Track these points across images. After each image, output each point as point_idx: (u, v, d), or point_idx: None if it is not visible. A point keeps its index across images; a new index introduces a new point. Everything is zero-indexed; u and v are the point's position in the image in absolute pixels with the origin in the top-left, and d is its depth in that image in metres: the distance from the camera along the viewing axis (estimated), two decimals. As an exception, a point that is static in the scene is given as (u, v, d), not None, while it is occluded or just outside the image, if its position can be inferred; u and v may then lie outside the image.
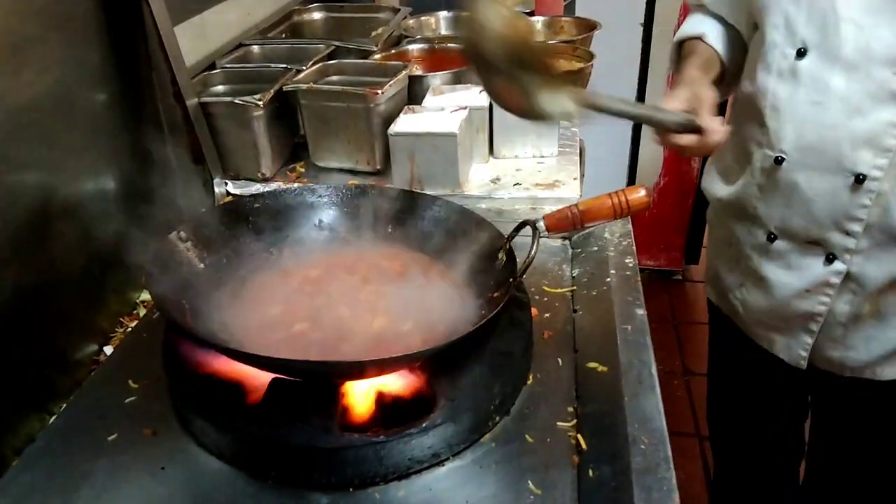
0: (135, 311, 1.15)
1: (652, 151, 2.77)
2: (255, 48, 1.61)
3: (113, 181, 1.13)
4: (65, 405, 0.93)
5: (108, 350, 1.07)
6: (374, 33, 1.75)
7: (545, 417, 0.87)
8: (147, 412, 0.89)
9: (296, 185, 1.37)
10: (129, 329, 1.10)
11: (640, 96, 2.63)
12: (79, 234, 1.06)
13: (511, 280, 0.89)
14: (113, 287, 1.13)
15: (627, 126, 2.72)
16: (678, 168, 2.80)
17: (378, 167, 1.39)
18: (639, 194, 0.88)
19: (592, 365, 0.92)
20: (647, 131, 2.69)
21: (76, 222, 1.05)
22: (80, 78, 1.07)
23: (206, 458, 0.83)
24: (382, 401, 0.81)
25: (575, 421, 0.86)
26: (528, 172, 1.39)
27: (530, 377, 0.93)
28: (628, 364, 0.90)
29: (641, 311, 0.99)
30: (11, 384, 0.89)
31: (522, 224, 0.95)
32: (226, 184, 1.36)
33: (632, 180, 2.80)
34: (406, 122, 1.31)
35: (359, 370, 0.79)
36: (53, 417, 0.91)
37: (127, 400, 0.92)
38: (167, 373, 0.88)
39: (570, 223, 0.90)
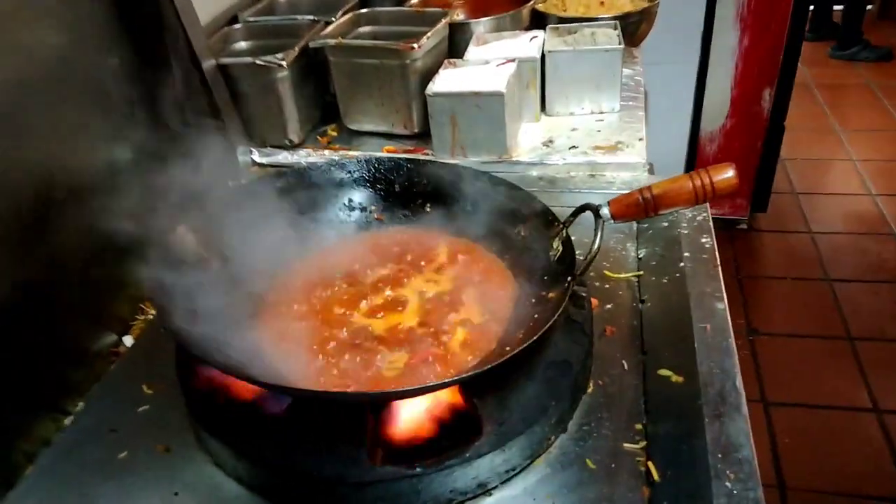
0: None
1: (718, 92, 2.53)
2: (281, -3, 1.47)
3: (124, 156, 1.03)
4: (80, 406, 0.85)
5: (128, 341, 0.99)
6: (410, -25, 1.57)
7: (608, 437, 0.75)
8: (161, 424, 0.81)
9: (325, 154, 1.24)
10: (150, 316, 1.02)
11: (709, 27, 2.38)
12: (86, 215, 0.96)
13: (569, 279, 0.75)
14: (130, 272, 1.04)
15: (693, 64, 2.48)
16: (747, 109, 2.56)
17: (416, 130, 1.25)
18: (726, 175, 0.73)
19: (665, 373, 0.79)
20: (714, 69, 2.48)
21: (85, 202, 0.95)
22: (83, 44, 0.95)
23: (223, 481, 0.74)
24: (419, 425, 0.70)
25: (644, 443, 0.74)
26: (585, 132, 1.23)
27: (591, 384, 0.80)
28: (708, 374, 0.76)
29: (723, 306, 0.85)
30: (22, 383, 0.82)
31: (582, 208, 0.80)
32: (251, 152, 1.25)
33: (696, 123, 2.58)
34: (446, 80, 1.15)
35: (385, 400, 0.68)
36: (67, 419, 0.84)
37: (140, 409, 0.83)
38: (181, 385, 0.79)
39: (641, 210, 0.75)
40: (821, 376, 2.09)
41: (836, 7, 4.52)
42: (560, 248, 0.81)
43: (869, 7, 4.49)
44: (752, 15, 2.39)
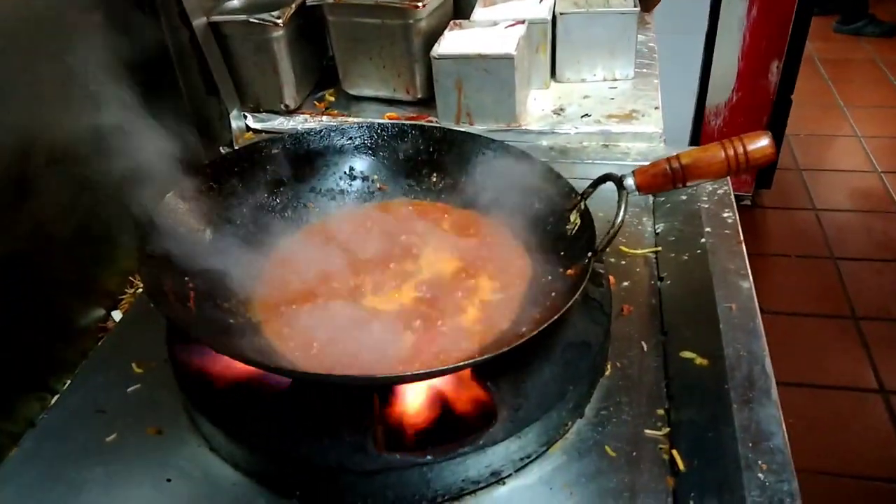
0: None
1: (725, 64, 2.46)
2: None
3: (110, 118, 0.96)
4: (66, 384, 0.80)
5: (117, 315, 0.94)
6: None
7: (628, 422, 0.71)
8: (152, 404, 0.76)
9: (323, 120, 1.17)
10: (139, 290, 0.96)
11: (716, 4, 2.31)
12: (72, 181, 0.90)
13: (589, 255, 0.70)
14: (119, 242, 0.98)
15: (700, 35, 2.41)
16: (754, 83, 2.50)
17: (420, 95, 1.19)
18: (761, 143, 0.67)
19: (688, 355, 0.74)
20: (721, 41, 2.41)
21: (67, 168, 0.89)
22: (64, 1, 0.88)
23: (219, 466, 0.69)
24: (429, 410, 0.65)
25: (668, 430, 0.69)
26: (597, 100, 1.17)
27: (608, 367, 0.76)
28: (735, 357, 0.72)
29: (748, 285, 0.80)
30: (5, 360, 0.76)
31: (603, 178, 0.75)
32: (245, 117, 1.18)
33: (702, 96, 2.52)
34: (452, 42, 1.09)
35: (393, 384, 0.63)
36: (53, 398, 0.79)
37: (130, 389, 0.78)
38: (173, 364, 0.73)
39: (668, 181, 0.69)
40: (826, 356, 2.06)
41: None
42: (578, 222, 0.76)
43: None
44: (762, -15, 2.32)
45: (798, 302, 2.28)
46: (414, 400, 0.65)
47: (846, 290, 2.32)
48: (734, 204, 0.93)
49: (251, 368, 0.68)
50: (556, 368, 0.69)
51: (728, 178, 0.96)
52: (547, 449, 0.68)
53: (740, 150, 0.67)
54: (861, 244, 2.53)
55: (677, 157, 0.69)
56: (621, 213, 0.70)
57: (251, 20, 1.09)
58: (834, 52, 4.00)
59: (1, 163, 0.78)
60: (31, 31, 0.82)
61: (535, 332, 0.61)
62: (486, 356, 0.59)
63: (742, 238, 0.87)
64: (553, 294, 0.71)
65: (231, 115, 1.15)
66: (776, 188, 2.76)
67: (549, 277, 0.74)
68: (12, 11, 0.79)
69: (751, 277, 0.81)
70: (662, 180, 0.70)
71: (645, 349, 0.78)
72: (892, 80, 3.66)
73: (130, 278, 0.98)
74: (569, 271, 0.72)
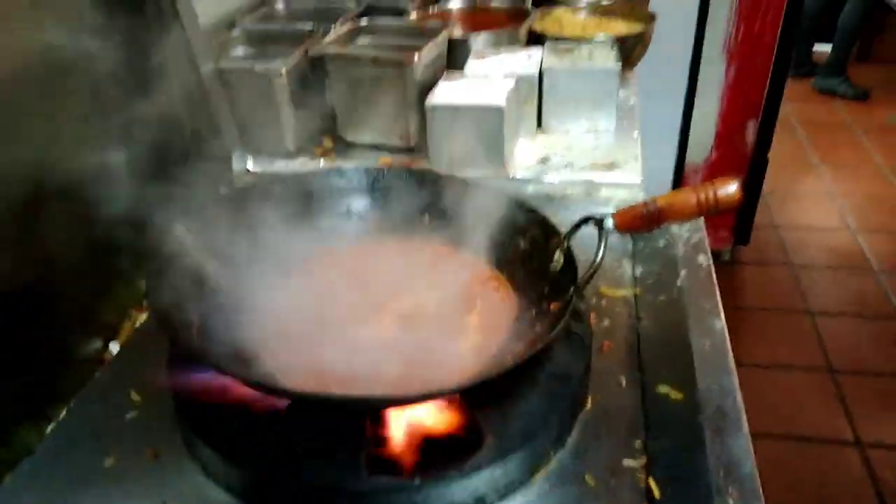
0: (145, 303, 1.03)
1: (704, 124, 2.57)
2: (280, 4, 1.46)
3: (117, 157, 1.01)
4: (64, 412, 0.82)
5: (115, 346, 0.96)
6: (409, -11, 1.58)
7: (608, 453, 0.74)
8: (150, 430, 0.78)
9: (322, 162, 1.23)
10: (138, 323, 0.99)
11: (696, 59, 2.42)
12: (79, 216, 0.94)
13: (572, 290, 0.75)
14: (119, 275, 1.02)
15: (680, 95, 2.52)
16: (731, 142, 2.60)
17: (413, 143, 1.25)
18: (729, 190, 0.73)
19: (663, 389, 0.78)
20: (700, 101, 2.52)
21: (75, 203, 0.93)
22: (79, 40, 0.93)
23: (214, 490, 0.71)
24: (418, 436, 0.68)
25: (645, 459, 0.73)
26: (581, 151, 1.23)
27: (589, 400, 0.79)
28: (707, 391, 0.76)
29: (721, 324, 0.85)
30: (4, 388, 0.78)
31: (585, 220, 0.80)
32: (246, 159, 1.23)
33: (682, 153, 2.61)
34: (445, 93, 1.15)
35: (386, 406, 0.66)
36: (50, 426, 0.81)
37: (128, 416, 0.80)
38: (171, 388, 0.76)
39: (644, 222, 0.75)
40: (803, 408, 2.10)
41: (815, 48, 4.65)
42: (561, 261, 0.81)
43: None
44: (738, 47, 2.43)
45: (776, 355, 2.33)
46: (404, 424, 0.68)
47: (822, 345, 2.37)
48: (708, 250, 0.98)
49: (247, 393, 0.71)
50: (540, 399, 0.73)
51: (703, 225, 1.02)
52: (530, 477, 0.71)
53: (711, 194, 0.73)
54: (836, 300, 2.61)
55: (654, 200, 0.75)
56: (601, 252, 0.75)
57: (255, 69, 1.15)
58: (809, 114, 4.16)
59: (14, 195, 0.82)
60: (48, 72, 0.87)
61: (519, 361, 0.65)
62: (474, 381, 0.63)
63: (715, 280, 0.92)
64: (537, 327, 0.75)
65: (233, 157, 1.20)
66: (753, 244, 2.84)
67: (534, 311, 0.79)
68: (32, 54, 0.84)
69: (723, 317, 0.86)
70: (640, 221, 0.75)
71: (623, 384, 0.82)
72: (864, 142, 3.81)
73: (130, 310, 1.01)
74: (552, 305, 0.76)
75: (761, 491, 0.65)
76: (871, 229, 3.01)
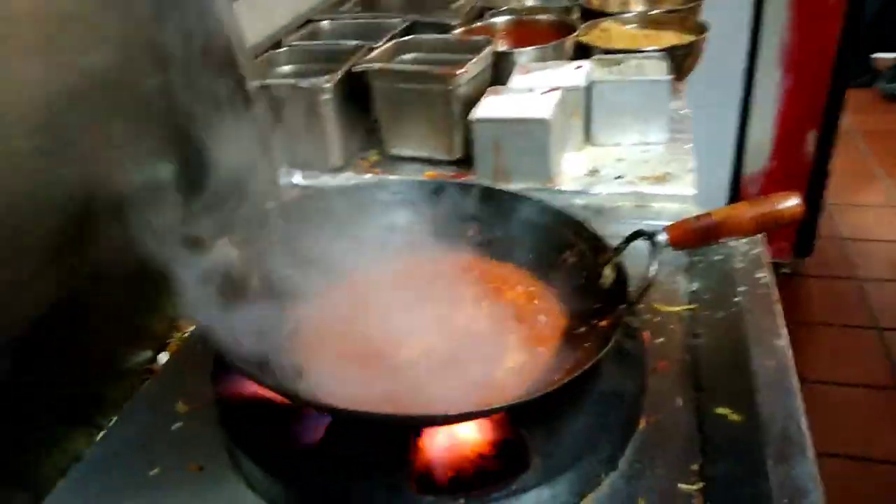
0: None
1: (760, 133, 2.49)
2: (325, 24, 1.48)
3: (165, 173, 1.03)
4: (113, 421, 0.83)
5: (163, 357, 0.97)
6: (454, 5, 1.58)
7: (662, 476, 0.70)
8: (195, 443, 0.78)
9: (367, 176, 1.23)
10: (186, 334, 1.00)
11: (751, 68, 2.35)
12: (128, 231, 0.95)
13: (621, 307, 0.72)
14: (167, 289, 1.03)
15: (734, 107, 2.45)
16: (790, 152, 2.52)
17: (458, 156, 1.24)
18: (790, 203, 0.69)
19: (722, 411, 0.74)
20: (757, 112, 2.44)
21: (125, 218, 0.94)
22: (128, 59, 0.96)
23: (256, 503, 0.71)
24: (464, 455, 0.66)
25: (702, 484, 0.69)
26: (631, 163, 1.20)
27: (642, 421, 0.76)
28: (770, 415, 0.71)
29: (783, 342, 0.80)
30: (56, 398, 0.80)
31: (636, 234, 0.77)
32: (292, 174, 1.24)
33: (738, 165, 2.54)
34: (490, 107, 1.14)
35: (430, 424, 0.65)
36: (100, 434, 0.82)
37: (174, 426, 0.81)
38: (217, 401, 0.76)
39: (699, 237, 0.71)
40: (871, 428, 1.99)
41: (875, 55, 4.49)
42: (612, 276, 0.78)
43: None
44: (796, 55, 2.36)
45: (842, 372, 2.22)
46: (450, 444, 0.66)
47: (891, 361, 2.25)
48: (769, 265, 0.94)
49: (291, 408, 0.70)
50: (590, 418, 0.70)
51: (761, 239, 0.98)
52: (580, 500, 0.68)
53: (769, 208, 0.69)
54: (905, 315, 2.48)
55: (709, 214, 0.72)
56: (654, 267, 0.71)
57: (301, 84, 1.16)
58: (872, 124, 4.00)
59: (66, 210, 0.84)
60: (101, 92, 0.89)
61: (570, 378, 0.62)
62: (521, 399, 0.61)
63: (778, 297, 0.88)
64: (587, 345, 0.73)
65: (279, 173, 1.21)
66: (816, 256, 2.73)
67: (583, 329, 0.76)
68: (85, 74, 0.86)
69: (786, 336, 0.82)
70: (694, 236, 0.72)
71: (679, 405, 0.78)
72: (931, 153, 3.64)
73: (177, 323, 1.03)
74: (602, 322, 0.74)
75: (830, 522, 0.61)
76: (939, 242, 2.86)
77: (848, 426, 2.00)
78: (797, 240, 2.69)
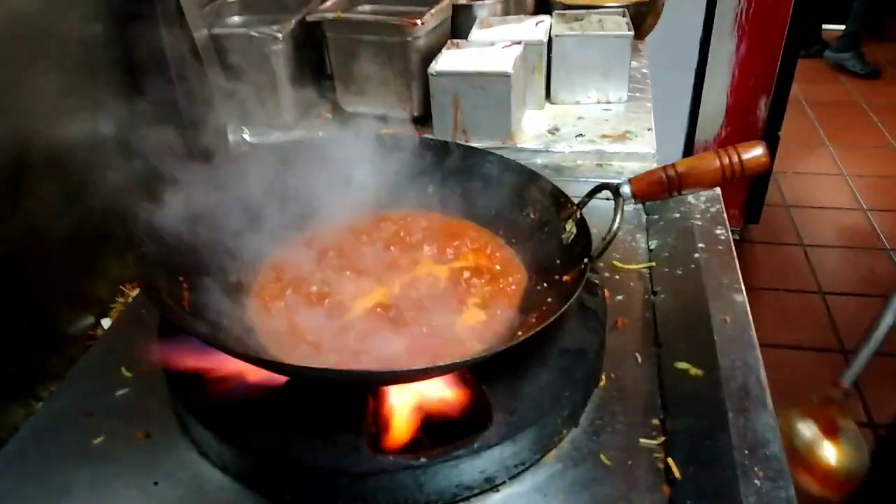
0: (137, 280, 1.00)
1: (714, 100, 2.51)
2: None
3: (106, 127, 0.96)
4: (52, 391, 0.79)
5: (106, 323, 0.93)
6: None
7: (623, 432, 0.70)
8: (141, 409, 0.74)
9: (320, 133, 1.18)
10: (130, 299, 0.95)
11: (707, 31, 2.36)
12: (65, 189, 0.89)
13: (585, 261, 0.70)
14: (111, 251, 0.98)
15: (690, 71, 2.46)
16: (743, 118, 2.54)
17: (416, 113, 1.20)
18: (755, 153, 0.68)
19: (682, 366, 0.74)
20: (711, 77, 2.46)
21: (61, 176, 0.88)
22: (64, 5, 0.89)
23: (208, 470, 0.68)
24: (424, 413, 0.64)
25: (663, 438, 0.69)
26: (592, 121, 1.18)
27: (602, 378, 0.75)
28: (730, 367, 0.72)
29: (742, 299, 0.80)
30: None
31: (600, 187, 0.76)
32: (242, 130, 1.19)
33: (692, 130, 2.56)
34: (450, 60, 1.11)
35: (389, 381, 0.62)
36: (39, 405, 0.77)
37: (119, 392, 0.77)
38: (164, 364, 0.72)
39: (664, 188, 0.70)
40: (814, 389, 2.06)
41: (825, 26, 4.57)
42: (574, 231, 0.76)
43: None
44: (750, 23, 2.37)
45: (787, 335, 2.29)
46: (409, 401, 0.64)
47: (835, 325, 2.33)
48: (726, 221, 0.94)
49: (241, 369, 0.67)
50: (552, 375, 0.69)
51: (720, 197, 0.98)
52: (541, 456, 0.67)
53: (735, 158, 0.68)
54: (848, 280, 2.56)
55: (673, 165, 0.71)
56: (617, 221, 0.70)
57: (252, 33, 1.10)
58: (820, 94, 4.09)
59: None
60: (29, 40, 0.82)
61: (531, 333, 0.61)
62: (481, 355, 0.59)
63: (735, 254, 0.88)
64: (549, 300, 0.71)
65: (228, 129, 1.15)
66: (764, 223, 2.79)
67: (545, 284, 0.75)
68: (8, 21, 0.79)
69: (744, 291, 0.82)
70: (658, 188, 0.71)
71: (639, 361, 0.78)
72: (876, 121, 3.74)
73: (121, 287, 0.97)
74: (564, 277, 0.72)
75: (789, 471, 0.61)
76: (882, 208, 2.95)
77: (791, 388, 2.06)
78: (746, 207, 2.74)
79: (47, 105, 0.86)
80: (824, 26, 4.58)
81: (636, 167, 1.08)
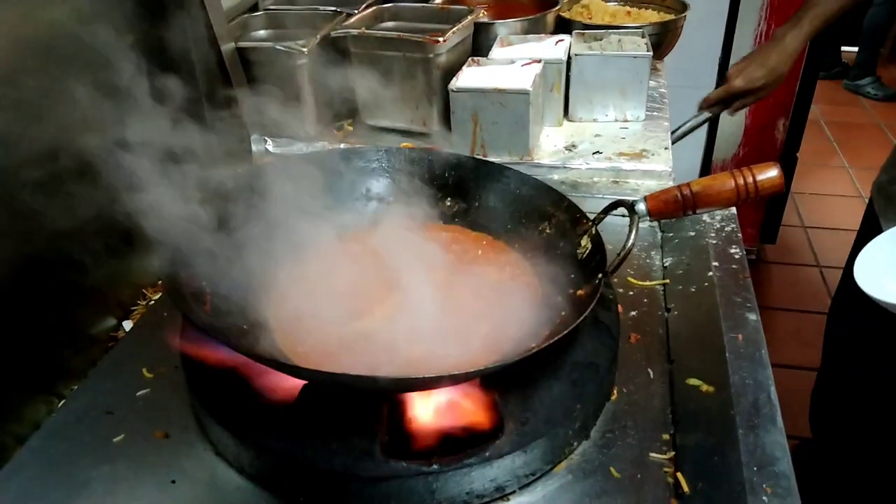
0: (159, 282, 1.02)
1: (732, 121, 2.51)
2: (304, -12, 1.44)
3: (135, 135, 0.99)
4: (74, 389, 0.81)
5: (128, 325, 0.95)
6: (435, -26, 1.56)
7: (634, 446, 0.71)
8: (161, 409, 0.76)
9: (342, 146, 1.21)
10: (152, 302, 0.97)
11: (726, 53, 2.37)
12: (93, 194, 0.92)
13: (600, 276, 0.71)
14: (135, 255, 1.00)
15: (708, 89, 2.46)
16: (761, 138, 2.54)
17: (436, 128, 1.22)
18: (770, 174, 0.69)
19: (694, 382, 0.75)
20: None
21: (90, 181, 0.91)
22: (98, 13, 0.92)
23: (224, 471, 0.69)
24: (437, 421, 0.65)
25: (672, 454, 0.69)
26: (609, 139, 1.20)
27: (615, 392, 0.76)
28: (741, 385, 0.72)
29: (755, 317, 0.81)
30: (15, 364, 0.77)
31: (615, 204, 0.77)
32: (265, 141, 1.21)
33: (709, 150, 2.56)
34: (470, 77, 1.13)
35: (404, 388, 0.64)
36: (60, 404, 0.79)
37: (139, 392, 0.79)
38: (184, 366, 0.74)
39: (679, 207, 0.71)
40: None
41: (844, 48, 4.57)
42: (589, 246, 0.78)
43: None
44: (770, 43, 2.38)
45: (802, 356, 2.27)
46: (423, 409, 0.66)
47: (850, 346, 2.31)
48: (741, 240, 0.95)
49: (261, 372, 0.69)
50: (564, 387, 0.70)
51: (736, 216, 0.99)
52: (552, 467, 0.68)
53: (750, 179, 0.69)
54: (865, 302, 2.54)
55: (688, 184, 0.72)
56: (632, 237, 0.71)
57: (277, 47, 1.13)
58: (839, 115, 4.08)
59: (30, 171, 0.80)
60: (63, 51, 0.85)
61: (544, 345, 0.62)
62: (494, 365, 0.60)
63: (748, 272, 0.88)
64: (563, 313, 0.72)
65: (252, 139, 1.18)
66: (781, 244, 2.78)
67: (559, 298, 0.76)
68: (44, 32, 0.82)
69: (757, 310, 0.82)
70: (673, 206, 0.72)
71: (651, 376, 0.78)
72: (894, 142, 3.72)
73: (143, 291, 1.00)
74: (579, 292, 0.73)
75: (797, 489, 0.62)
76: (901, 233, 2.93)
77: (806, 410, 2.05)
78: (763, 227, 2.73)
79: (79, 112, 0.89)
80: (844, 48, 4.58)
81: (652, 185, 1.09)
